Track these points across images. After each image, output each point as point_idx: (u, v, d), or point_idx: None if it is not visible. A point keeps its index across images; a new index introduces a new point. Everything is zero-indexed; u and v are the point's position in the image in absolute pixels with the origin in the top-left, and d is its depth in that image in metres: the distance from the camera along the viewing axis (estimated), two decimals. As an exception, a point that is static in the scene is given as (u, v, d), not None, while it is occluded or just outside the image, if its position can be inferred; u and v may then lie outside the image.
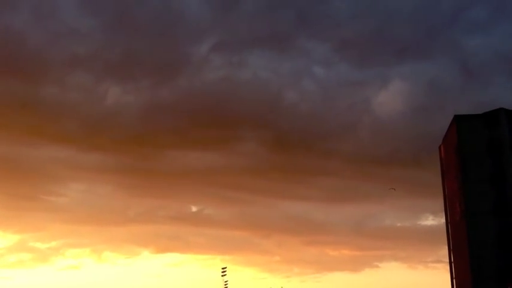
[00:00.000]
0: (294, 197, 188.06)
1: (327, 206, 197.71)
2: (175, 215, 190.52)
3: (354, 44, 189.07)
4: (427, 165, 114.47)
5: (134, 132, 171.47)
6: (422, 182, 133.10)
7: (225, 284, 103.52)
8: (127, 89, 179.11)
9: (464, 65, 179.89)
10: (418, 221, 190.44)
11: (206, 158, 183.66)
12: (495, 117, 70.43)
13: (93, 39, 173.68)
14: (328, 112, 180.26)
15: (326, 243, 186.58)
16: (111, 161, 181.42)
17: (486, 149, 69.70)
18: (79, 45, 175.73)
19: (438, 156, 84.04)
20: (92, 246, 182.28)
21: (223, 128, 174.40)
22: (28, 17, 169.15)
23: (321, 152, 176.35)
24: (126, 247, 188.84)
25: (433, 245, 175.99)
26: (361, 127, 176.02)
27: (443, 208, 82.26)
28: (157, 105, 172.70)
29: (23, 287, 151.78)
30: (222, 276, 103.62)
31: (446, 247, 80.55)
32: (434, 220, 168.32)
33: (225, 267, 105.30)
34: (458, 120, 71.85)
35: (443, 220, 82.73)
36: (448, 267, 79.35)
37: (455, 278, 77.09)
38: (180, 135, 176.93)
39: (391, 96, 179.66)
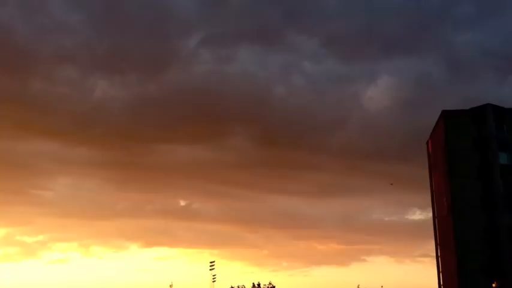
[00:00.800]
0: (282, 192, 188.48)
1: (315, 200, 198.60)
2: (164, 209, 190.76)
3: (342, 39, 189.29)
4: (415, 160, 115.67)
5: (122, 126, 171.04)
6: (410, 177, 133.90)
7: (213, 278, 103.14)
8: (115, 83, 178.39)
9: (452, 61, 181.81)
10: (405, 215, 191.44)
11: (194, 153, 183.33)
12: (482, 113, 71.05)
13: (81, 33, 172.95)
14: (316, 107, 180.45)
15: (314, 237, 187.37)
16: (99, 155, 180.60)
17: (473, 144, 70.26)
18: (67, 39, 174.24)
19: (426, 151, 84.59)
20: (80, 240, 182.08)
21: (212, 122, 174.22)
22: (16, 11, 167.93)
23: (309, 147, 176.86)
24: (114, 241, 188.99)
25: (420, 239, 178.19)
26: (350, 122, 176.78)
27: (430, 203, 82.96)
28: (145, 100, 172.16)
29: (10, 280, 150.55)
30: (210, 270, 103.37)
31: (434, 241, 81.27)
32: (422, 215, 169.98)
33: (213, 261, 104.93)
34: (446, 116, 72.34)
35: (430, 215, 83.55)
36: (435, 262, 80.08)
37: (442, 272, 77.71)
38: (168, 129, 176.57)
39: (379, 92, 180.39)
